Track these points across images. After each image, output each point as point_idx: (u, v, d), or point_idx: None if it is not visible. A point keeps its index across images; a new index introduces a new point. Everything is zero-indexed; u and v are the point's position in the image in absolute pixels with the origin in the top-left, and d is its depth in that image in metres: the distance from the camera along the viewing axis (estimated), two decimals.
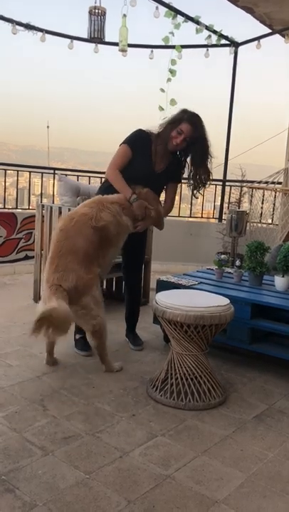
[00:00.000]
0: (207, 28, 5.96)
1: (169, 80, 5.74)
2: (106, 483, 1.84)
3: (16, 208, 6.16)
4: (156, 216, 3.04)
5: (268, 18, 5.72)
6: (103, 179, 3.60)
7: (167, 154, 3.08)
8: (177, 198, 3.42)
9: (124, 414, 2.38)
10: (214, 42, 6.16)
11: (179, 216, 6.72)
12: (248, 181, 6.16)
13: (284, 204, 5.59)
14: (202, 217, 7.23)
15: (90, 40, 5.75)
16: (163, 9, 5.56)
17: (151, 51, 6.32)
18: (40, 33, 5.74)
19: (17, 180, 6.25)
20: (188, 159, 3.10)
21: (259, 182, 5.83)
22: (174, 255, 6.10)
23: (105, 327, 2.79)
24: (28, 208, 6.12)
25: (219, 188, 6.73)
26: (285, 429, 2.34)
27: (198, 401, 2.48)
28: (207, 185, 3.18)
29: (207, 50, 6.26)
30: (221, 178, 6.57)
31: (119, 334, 3.43)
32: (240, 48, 6.37)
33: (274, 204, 6.09)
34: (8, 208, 6.15)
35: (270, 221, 6.29)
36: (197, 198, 3.37)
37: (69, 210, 3.89)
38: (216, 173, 3.18)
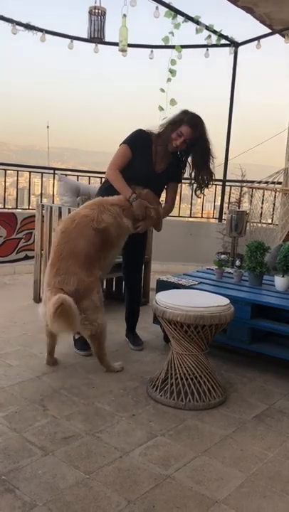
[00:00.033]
0: (207, 28, 5.96)
1: (169, 79, 5.75)
2: (106, 483, 1.84)
3: (16, 208, 6.16)
4: (156, 216, 3.04)
5: (267, 18, 5.72)
6: (103, 179, 3.61)
7: (167, 154, 3.08)
8: (177, 197, 3.42)
9: (124, 414, 2.38)
10: (214, 42, 6.17)
11: (179, 216, 6.72)
12: (248, 181, 6.17)
13: (284, 204, 5.59)
14: (202, 217, 7.23)
15: (90, 40, 5.75)
16: (163, 9, 5.57)
17: (151, 51, 6.32)
18: (40, 33, 5.74)
19: (17, 180, 6.25)
20: (190, 160, 3.11)
21: (259, 182, 5.83)
22: (174, 255, 6.10)
23: (104, 330, 2.79)
24: (28, 208, 6.13)
25: (219, 188, 6.73)
26: (285, 429, 2.34)
27: (198, 401, 2.48)
28: (210, 186, 3.20)
29: (207, 50, 6.26)
30: (221, 178, 6.57)
31: (119, 334, 3.43)
32: (240, 48, 6.38)
33: (274, 204, 6.09)
34: (8, 208, 6.15)
35: (270, 221, 6.29)
36: (199, 197, 3.37)
37: (69, 210, 3.90)
38: (216, 173, 3.18)
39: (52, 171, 6.29)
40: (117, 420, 2.32)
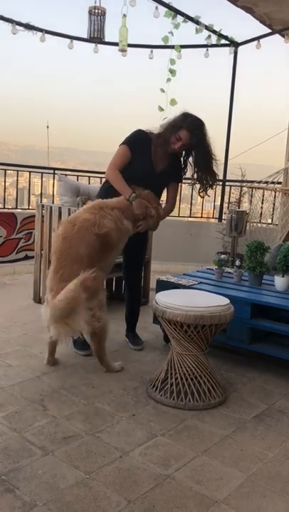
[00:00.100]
0: (207, 28, 5.96)
1: (168, 79, 5.75)
2: (106, 483, 1.84)
3: (16, 208, 6.17)
4: (157, 215, 3.05)
5: (267, 18, 5.72)
6: (103, 179, 3.61)
7: (167, 155, 3.08)
8: (177, 197, 3.42)
9: (124, 414, 2.38)
10: (214, 42, 6.17)
11: (178, 216, 6.72)
12: (248, 181, 6.17)
13: (284, 204, 5.59)
14: (202, 217, 7.23)
15: (89, 40, 5.75)
16: (163, 9, 5.57)
17: (151, 51, 6.32)
18: (40, 33, 5.75)
19: (17, 180, 6.25)
20: (192, 160, 3.11)
21: (259, 182, 5.83)
22: (174, 255, 6.10)
23: (106, 329, 2.80)
24: (28, 208, 6.13)
25: (219, 187, 6.73)
26: (285, 429, 2.34)
27: (198, 401, 2.48)
28: (214, 187, 3.21)
29: (207, 50, 6.26)
30: (221, 178, 6.57)
31: (119, 334, 3.43)
32: (240, 48, 6.38)
33: (274, 204, 6.09)
34: (8, 208, 6.15)
35: (269, 221, 6.29)
36: (203, 197, 3.37)
37: (69, 210, 3.90)
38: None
39: (52, 171, 6.29)
40: (117, 420, 2.32)
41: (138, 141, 3.06)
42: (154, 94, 5.74)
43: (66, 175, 5.35)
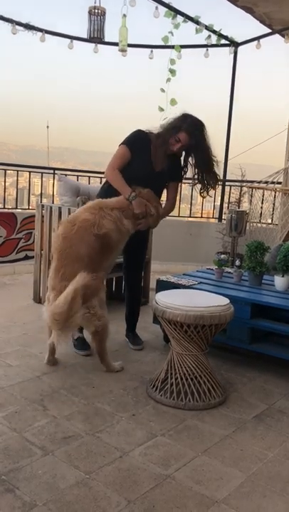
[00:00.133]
0: (207, 27, 5.96)
1: (168, 79, 5.75)
2: (106, 483, 1.84)
3: (16, 208, 6.17)
4: (156, 214, 3.05)
5: (267, 18, 5.72)
6: (103, 179, 3.60)
7: (167, 155, 3.08)
8: (177, 197, 3.42)
9: (124, 414, 2.38)
10: (214, 42, 6.17)
11: (178, 216, 6.72)
12: (248, 181, 6.17)
13: (284, 204, 5.59)
14: (202, 217, 7.23)
15: (89, 40, 5.75)
16: (163, 9, 5.56)
17: (151, 51, 6.32)
18: (40, 33, 5.74)
19: (17, 180, 6.25)
20: (193, 161, 3.11)
21: (259, 182, 5.84)
22: (173, 255, 6.10)
23: (107, 327, 2.81)
24: (28, 208, 6.13)
25: (219, 187, 6.73)
26: (284, 429, 2.34)
27: (198, 401, 2.48)
28: (217, 187, 3.21)
29: (207, 50, 6.26)
30: (221, 177, 6.56)
31: (119, 334, 3.43)
32: (240, 48, 6.38)
33: (274, 204, 6.10)
34: (8, 208, 6.15)
35: (269, 221, 6.29)
36: (204, 197, 3.37)
37: (69, 210, 3.90)
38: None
39: (52, 171, 6.30)
40: (117, 420, 2.32)
41: (137, 142, 3.06)
42: (154, 94, 5.74)
43: (66, 175, 5.35)
